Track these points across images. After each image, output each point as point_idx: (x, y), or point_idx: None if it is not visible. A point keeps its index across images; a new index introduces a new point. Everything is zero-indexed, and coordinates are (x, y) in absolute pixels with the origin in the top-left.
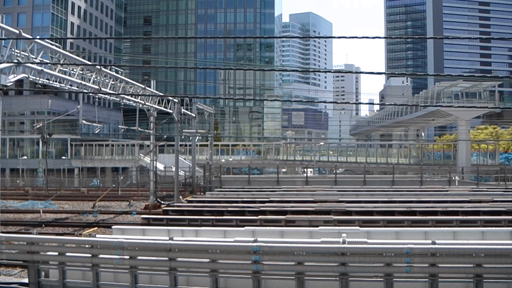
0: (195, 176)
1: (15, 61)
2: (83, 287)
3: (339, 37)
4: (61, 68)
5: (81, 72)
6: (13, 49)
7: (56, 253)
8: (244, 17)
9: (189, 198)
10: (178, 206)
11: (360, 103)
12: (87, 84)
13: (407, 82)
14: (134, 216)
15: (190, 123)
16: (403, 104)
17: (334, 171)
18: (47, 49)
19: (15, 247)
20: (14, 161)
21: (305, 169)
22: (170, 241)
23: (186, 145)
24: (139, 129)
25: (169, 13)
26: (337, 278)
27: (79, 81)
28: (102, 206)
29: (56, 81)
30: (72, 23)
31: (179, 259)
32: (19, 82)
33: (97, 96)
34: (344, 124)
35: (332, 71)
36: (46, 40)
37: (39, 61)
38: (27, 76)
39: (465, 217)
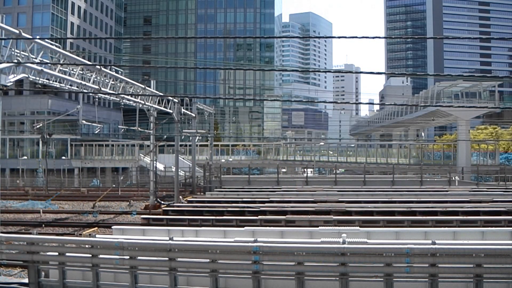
0: (195, 176)
1: (15, 61)
2: (83, 287)
3: (339, 37)
4: (61, 68)
5: (81, 72)
6: (13, 49)
7: (56, 253)
8: (244, 17)
9: (189, 198)
10: (178, 206)
11: (360, 103)
12: (87, 84)
13: (407, 82)
14: (134, 216)
15: (190, 123)
16: (403, 104)
17: (334, 171)
18: (47, 49)
19: (15, 247)
20: (14, 161)
21: (305, 169)
22: (170, 241)
23: (186, 145)
24: (139, 129)
25: (169, 13)
26: (337, 278)
27: (79, 81)
28: (102, 206)
29: (56, 81)
30: (72, 23)
31: (179, 259)
32: (19, 82)
33: (97, 96)
34: (344, 124)
35: (332, 71)
36: (46, 40)
37: (39, 61)
38: (27, 76)
39: (465, 217)
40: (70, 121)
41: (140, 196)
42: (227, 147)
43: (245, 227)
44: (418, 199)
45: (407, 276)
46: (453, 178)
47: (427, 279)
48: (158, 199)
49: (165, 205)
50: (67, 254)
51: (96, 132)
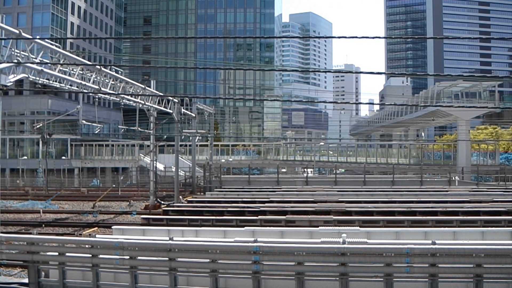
0: (195, 176)
1: (15, 61)
2: (83, 287)
3: (339, 37)
4: (61, 68)
5: (81, 72)
6: (13, 49)
7: (56, 253)
8: (244, 17)
9: (189, 198)
10: (178, 206)
11: (360, 103)
12: (87, 84)
13: (407, 82)
14: (134, 216)
15: (190, 123)
16: (403, 104)
17: (334, 171)
18: (47, 49)
19: (15, 247)
20: (14, 161)
21: (305, 169)
22: (170, 241)
23: (186, 145)
24: (139, 129)
25: (169, 13)
26: (337, 278)
27: (79, 81)
28: (102, 206)
29: (56, 81)
30: (72, 23)
31: (179, 259)
32: (19, 82)
33: (97, 96)
34: (344, 124)
35: (332, 71)
36: (46, 40)
37: (39, 61)
38: (27, 76)
39: (465, 217)
40: (70, 121)
41: (140, 196)
42: (227, 147)
43: (245, 227)
44: (418, 199)
45: (407, 276)
46: (453, 178)
47: (427, 279)
48: (158, 199)
49: (165, 205)
50: (67, 254)
51: (96, 132)
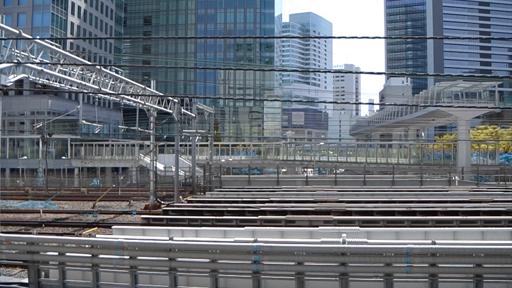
0: (195, 176)
1: (15, 61)
2: (83, 287)
3: (339, 37)
4: (61, 68)
5: (81, 72)
6: (13, 49)
7: (56, 253)
8: (244, 17)
9: (189, 198)
10: (178, 206)
11: (360, 103)
12: (87, 84)
13: (407, 82)
14: (134, 216)
15: (190, 123)
16: (403, 104)
17: (334, 171)
18: (47, 49)
19: (15, 247)
20: (14, 161)
21: (305, 169)
22: (170, 241)
23: (186, 145)
24: (139, 129)
25: (169, 13)
26: (337, 278)
27: (79, 81)
28: (102, 206)
29: (56, 81)
30: (72, 23)
31: (179, 259)
32: (19, 82)
33: (97, 96)
34: (344, 124)
35: (332, 71)
36: (46, 40)
37: (39, 61)
38: (27, 76)
39: (465, 217)
40: (70, 121)
41: (140, 196)
42: (227, 147)
43: (245, 227)
44: (418, 199)
45: (407, 276)
46: (453, 178)
47: (427, 279)
48: (158, 199)
49: (165, 205)
50: (67, 254)
51: (96, 132)
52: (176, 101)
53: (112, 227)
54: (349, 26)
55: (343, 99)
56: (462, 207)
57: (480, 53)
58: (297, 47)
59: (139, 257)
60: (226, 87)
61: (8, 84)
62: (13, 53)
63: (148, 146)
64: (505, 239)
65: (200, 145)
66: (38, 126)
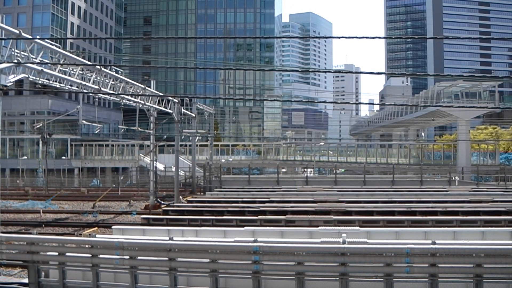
0: (195, 176)
1: (15, 61)
2: (83, 287)
3: (339, 37)
4: (61, 68)
5: (81, 72)
6: (13, 49)
7: (56, 253)
8: (244, 17)
9: (189, 198)
10: (178, 206)
11: (360, 103)
12: (87, 84)
13: (407, 82)
14: (134, 216)
15: (190, 123)
16: (403, 104)
17: (334, 171)
18: (47, 49)
19: (15, 247)
20: (14, 161)
21: (305, 169)
22: (170, 241)
23: (186, 145)
24: (139, 129)
25: (169, 13)
26: (337, 278)
27: (79, 81)
28: (102, 206)
29: (56, 81)
30: (72, 23)
31: (179, 259)
32: (19, 82)
33: (97, 96)
34: (344, 124)
35: (332, 71)
36: (46, 40)
37: (39, 61)
38: (27, 76)
39: (465, 217)
40: (70, 121)
41: (140, 196)
42: (227, 147)
43: (245, 227)
44: (418, 199)
45: (407, 276)
46: (453, 178)
47: (427, 279)
48: (158, 199)
49: (165, 205)
50: (67, 254)
51: (96, 132)
52: (176, 101)
53: (112, 227)
54: (349, 26)
55: (343, 99)
56: (462, 207)
57: (480, 53)
58: (297, 47)
59: (139, 257)
60: (226, 87)
61: (8, 84)
62: (13, 53)
63: (148, 146)
64: (505, 239)
65: (200, 145)
66: (38, 126)
